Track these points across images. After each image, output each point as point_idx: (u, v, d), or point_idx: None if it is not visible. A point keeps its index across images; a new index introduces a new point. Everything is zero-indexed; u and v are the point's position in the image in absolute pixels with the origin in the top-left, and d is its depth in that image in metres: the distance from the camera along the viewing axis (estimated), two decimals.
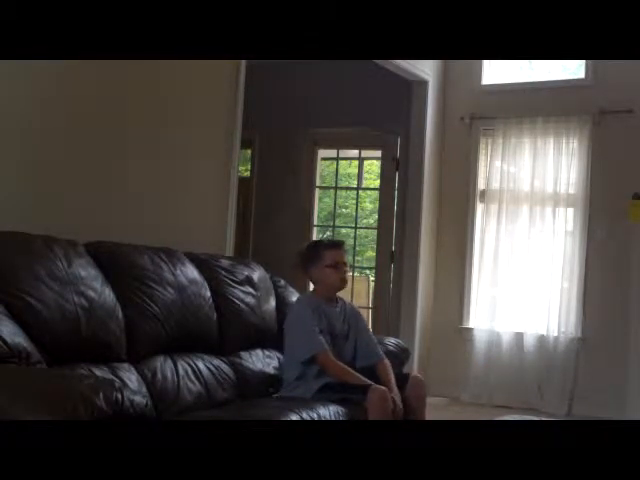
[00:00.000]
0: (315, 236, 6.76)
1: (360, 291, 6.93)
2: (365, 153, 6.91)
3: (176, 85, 3.68)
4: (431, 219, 5.96)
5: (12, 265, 2.42)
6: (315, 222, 6.68)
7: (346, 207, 10.67)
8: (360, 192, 7.07)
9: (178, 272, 3.11)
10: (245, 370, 3.31)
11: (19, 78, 2.89)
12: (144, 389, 2.71)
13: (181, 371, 2.95)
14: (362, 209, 8.45)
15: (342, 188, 8.24)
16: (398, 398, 3.07)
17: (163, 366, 2.89)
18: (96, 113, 3.26)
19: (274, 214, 6.48)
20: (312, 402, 2.94)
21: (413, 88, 5.82)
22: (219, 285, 3.37)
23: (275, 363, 3.52)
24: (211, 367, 3.12)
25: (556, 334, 5.54)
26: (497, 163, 5.87)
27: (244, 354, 3.38)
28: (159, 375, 2.84)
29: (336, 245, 3.39)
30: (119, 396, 1.82)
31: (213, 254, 3.59)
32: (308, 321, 3.25)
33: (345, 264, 3.37)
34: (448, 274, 6.03)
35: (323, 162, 7.41)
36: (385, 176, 6.36)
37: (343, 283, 3.37)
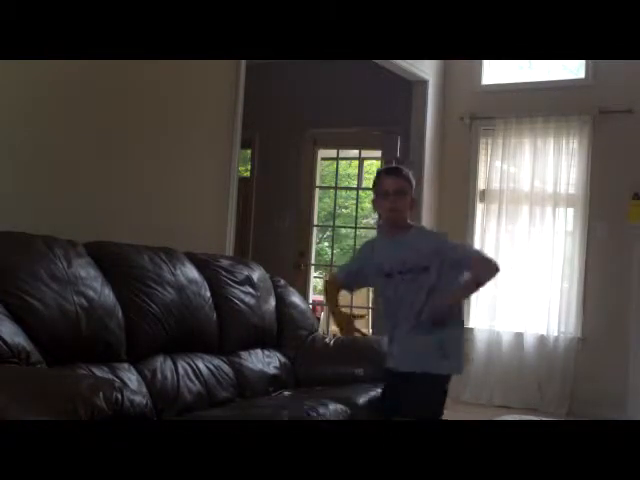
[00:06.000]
0: (315, 236, 6.76)
1: (360, 291, 6.92)
2: (365, 153, 6.90)
3: (176, 85, 3.69)
4: (431, 219, 5.96)
5: (12, 265, 2.42)
6: (315, 222, 6.68)
7: (346, 207, 10.67)
8: (360, 192, 7.06)
9: (178, 272, 3.11)
10: (245, 370, 3.31)
11: (19, 78, 2.89)
12: (144, 389, 2.71)
13: (181, 371, 2.95)
14: (362, 209, 8.45)
15: (342, 188, 8.23)
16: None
17: (163, 366, 2.89)
18: (96, 113, 3.26)
19: (274, 214, 6.48)
20: (312, 402, 2.94)
21: (413, 88, 5.82)
22: (219, 285, 3.37)
23: (275, 363, 3.53)
24: (211, 367, 3.12)
25: (556, 334, 5.54)
26: (497, 163, 5.86)
27: (244, 354, 3.38)
28: (159, 375, 2.84)
29: (389, 172, 2.89)
30: (119, 396, 1.82)
31: (213, 254, 3.59)
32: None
33: (396, 192, 2.79)
34: None
35: (323, 162, 7.40)
36: None
37: (391, 213, 2.82)
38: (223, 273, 3.44)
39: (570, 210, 5.61)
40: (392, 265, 2.79)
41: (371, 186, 2.89)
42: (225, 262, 3.54)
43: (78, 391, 1.80)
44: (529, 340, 5.61)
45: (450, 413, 4.81)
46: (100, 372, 2.56)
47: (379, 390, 3.30)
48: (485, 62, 5.98)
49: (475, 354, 5.77)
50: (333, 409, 2.91)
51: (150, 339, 2.88)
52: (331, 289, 3.05)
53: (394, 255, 2.79)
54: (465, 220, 5.96)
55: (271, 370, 3.46)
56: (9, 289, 2.36)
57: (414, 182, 2.88)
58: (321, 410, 2.83)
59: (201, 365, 3.07)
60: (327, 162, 7.93)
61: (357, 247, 3.09)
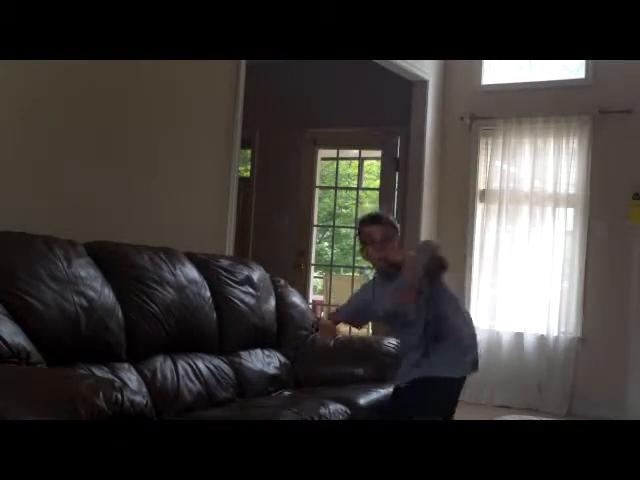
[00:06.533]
0: (315, 236, 6.76)
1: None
2: (365, 153, 6.90)
3: (176, 85, 3.69)
4: (431, 219, 5.96)
5: (12, 265, 2.42)
6: (315, 222, 6.68)
7: (346, 207, 10.67)
8: (360, 192, 7.06)
9: (178, 272, 3.11)
10: (245, 370, 3.31)
11: (19, 78, 2.89)
12: (144, 389, 2.71)
13: (181, 371, 2.95)
14: (362, 209, 8.45)
15: (342, 188, 8.23)
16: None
17: (163, 366, 2.89)
18: (96, 113, 3.26)
19: (274, 214, 6.49)
20: (312, 402, 2.94)
21: (413, 88, 5.82)
22: (219, 285, 3.37)
23: (275, 363, 3.53)
24: (211, 367, 3.12)
25: (556, 334, 5.54)
26: (497, 163, 5.86)
27: (244, 354, 3.38)
28: (159, 375, 2.84)
29: (372, 220, 2.96)
30: (119, 396, 1.82)
31: (213, 254, 3.59)
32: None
33: (383, 240, 2.88)
34: (448, 274, 6.01)
35: (323, 162, 7.40)
36: (385, 176, 6.35)
37: (381, 262, 2.91)
38: (223, 273, 3.44)
39: (570, 210, 5.61)
40: (391, 309, 2.90)
41: (357, 235, 3.00)
42: (225, 262, 3.54)
43: (78, 391, 1.80)
44: (529, 340, 5.61)
45: None
46: (100, 372, 2.56)
47: (379, 390, 3.31)
48: (485, 62, 5.98)
49: None
50: (333, 409, 2.91)
51: (150, 339, 2.88)
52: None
53: (391, 301, 2.89)
54: (465, 220, 5.96)
55: (271, 370, 3.46)
56: (9, 289, 2.36)
57: (398, 226, 2.99)
58: (321, 410, 2.83)
59: (201, 365, 3.07)
60: (327, 162, 7.93)
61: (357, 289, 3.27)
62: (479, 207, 5.97)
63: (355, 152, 6.86)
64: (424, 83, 5.78)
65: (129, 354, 2.77)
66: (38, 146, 3.01)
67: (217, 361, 3.19)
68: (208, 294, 3.26)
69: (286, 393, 3.39)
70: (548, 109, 5.61)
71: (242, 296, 3.45)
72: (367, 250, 2.94)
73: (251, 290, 3.53)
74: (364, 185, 8.46)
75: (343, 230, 10.86)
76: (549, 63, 5.87)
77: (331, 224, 7.85)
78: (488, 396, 5.63)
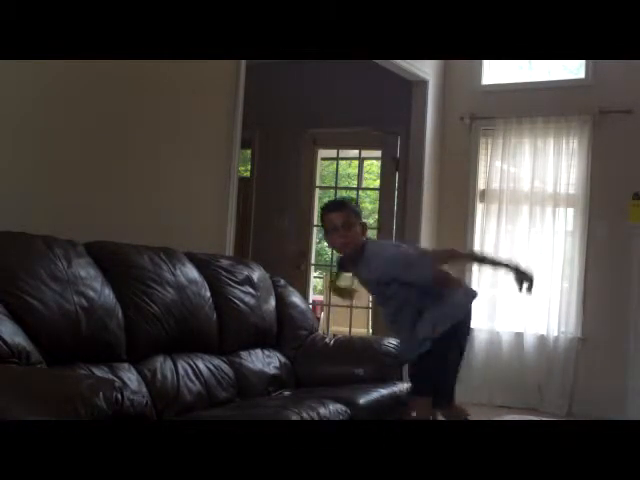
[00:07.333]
0: (315, 236, 6.76)
1: (359, 291, 6.90)
2: (365, 153, 6.90)
3: (176, 85, 3.68)
4: (431, 219, 5.96)
5: (12, 265, 2.42)
6: (315, 222, 6.68)
7: None
8: (360, 192, 7.06)
9: (178, 272, 3.11)
10: (245, 370, 3.31)
11: (19, 78, 2.89)
12: (144, 389, 2.71)
13: (181, 371, 2.95)
14: (362, 209, 8.48)
15: (342, 188, 8.21)
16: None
17: (163, 366, 2.89)
18: (96, 113, 3.26)
19: (274, 214, 6.48)
20: (312, 402, 2.94)
21: (413, 88, 5.82)
22: (219, 285, 3.37)
23: (275, 363, 3.53)
24: (211, 367, 3.12)
25: (556, 334, 5.54)
26: (497, 163, 5.86)
27: (244, 354, 3.38)
28: (159, 375, 2.84)
29: (330, 208, 3.01)
30: (119, 396, 1.82)
31: (213, 254, 3.59)
32: None
33: (341, 227, 2.93)
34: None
35: (323, 162, 7.40)
36: (385, 176, 6.35)
37: (343, 247, 2.99)
38: (223, 273, 3.44)
39: (570, 210, 5.61)
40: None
41: (321, 223, 3.07)
42: (225, 262, 3.54)
43: (78, 391, 1.80)
44: (529, 340, 5.61)
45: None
46: (100, 372, 2.56)
47: (379, 390, 3.31)
48: (485, 62, 5.98)
49: (475, 354, 5.76)
50: (333, 409, 2.91)
51: (150, 339, 2.88)
52: None
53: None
54: (465, 220, 5.96)
55: (271, 370, 3.46)
56: (9, 289, 2.36)
57: (359, 210, 3.08)
58: (321, 410, 2.83)
59: (201, 365, 3.07)
60: (327, 162, 7.92)
61: None
62: (479, 207, 5.97)
63: (355, 152, 6.85)
64: (424, 83, 5.78)
65: (129, 354, 2.77)
66: (38, 146, 3.01)
67: (217, 361, 3.19)
68: (208, 294, 3.26)
69: (286, 393, 3.39)
70: (548, 109, 5.61)
71: (242, 296, 3.45)
72: (330, 236, 3.01)
73: (251, 290, 3.53)
74: (364, 185, 8.46)
75: None
76: (549, 63, 5.87)
77: None
78: (488, 396, 5.63)
